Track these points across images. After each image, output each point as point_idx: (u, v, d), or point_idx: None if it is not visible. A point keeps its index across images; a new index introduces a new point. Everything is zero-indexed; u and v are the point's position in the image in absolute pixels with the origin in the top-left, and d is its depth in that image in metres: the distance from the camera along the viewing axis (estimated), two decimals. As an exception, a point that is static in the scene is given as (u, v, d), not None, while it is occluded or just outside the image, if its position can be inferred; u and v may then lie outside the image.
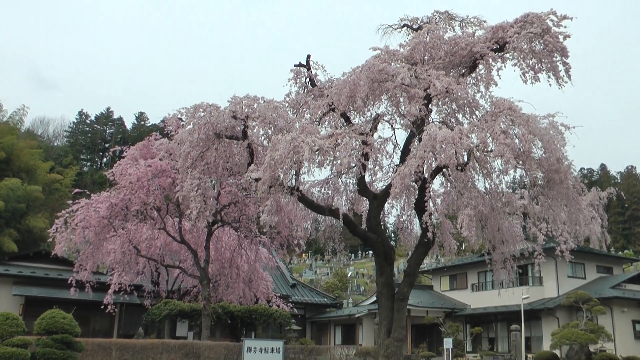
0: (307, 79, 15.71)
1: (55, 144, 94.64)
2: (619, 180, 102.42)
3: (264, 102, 15.08)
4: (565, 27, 12.97)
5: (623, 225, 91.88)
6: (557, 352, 27.76)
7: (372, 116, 14.36)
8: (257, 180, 12.50)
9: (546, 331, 31.97)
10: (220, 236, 24.72)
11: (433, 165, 12.25)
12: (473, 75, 13.94)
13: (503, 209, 13.89)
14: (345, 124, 14.33)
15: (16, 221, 37.53)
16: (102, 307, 21.87)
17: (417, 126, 13.05)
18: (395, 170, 13.14)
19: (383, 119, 14.27)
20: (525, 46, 13.08)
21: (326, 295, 43.95)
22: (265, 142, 15.40)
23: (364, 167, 13.37)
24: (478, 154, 12.25)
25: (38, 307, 20.43)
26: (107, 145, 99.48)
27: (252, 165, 14.03)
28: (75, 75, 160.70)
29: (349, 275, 68.10)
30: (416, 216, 14.71)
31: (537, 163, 12.59)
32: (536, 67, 13.20)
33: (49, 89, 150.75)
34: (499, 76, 13.19)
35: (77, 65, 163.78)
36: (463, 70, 14.13)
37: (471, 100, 13.52)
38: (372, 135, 13.64)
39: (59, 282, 26.12)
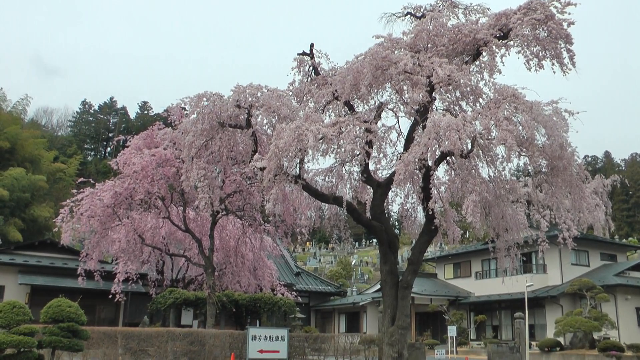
0: (311, 68, 15.63)
1: (59, 133, 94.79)
2: (623, 168, 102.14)
3: (268, 90, 15.04)
4: (569, 13, 12.87)
5: (627, 212, 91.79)
6: (560, 339, 27.86)
7: (376, 104, 14.29)
8: (262, 169, 12.50)
9: (550, 319, 32.09)
10: (224, 225, 24.80)
11: (437, 153, 12.23)
12: (477, 62, 13.83)
13: (507, 196, 13.85)
14: (348, 112, 14.29)
15: (21, 210, 37.76)
16: (108, 295, 22.02)
17: (421, 114, 13.00)
18: (399, 158, 13.11)
19: (387, 107, 14.22)
20: (528, 33, 12.99)
21: (330, 284, 44.14)
22: (269, 131, 15.37)
23: (368, 155, 13.31)
24: (482, 141, 12.22)
25: (44, 296, 20.58)
26: (110, 134, 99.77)
27: (257, 154, 14.02)
28: (79, 65, 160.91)
29: (353, 263, 68.33)
30: (420, 204, 14.69)
31: (540, 150, 12.56)
32: (540, 54, 13.07)
33: (52, 76, 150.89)
34: (503, 63, 13.10)
35: (80, 55, 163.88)
36: (467, 58, 14.02)
37: (474, 88, 13.42)
38: (376, 123, 13.58)
39: (64, 271, 26.36)
